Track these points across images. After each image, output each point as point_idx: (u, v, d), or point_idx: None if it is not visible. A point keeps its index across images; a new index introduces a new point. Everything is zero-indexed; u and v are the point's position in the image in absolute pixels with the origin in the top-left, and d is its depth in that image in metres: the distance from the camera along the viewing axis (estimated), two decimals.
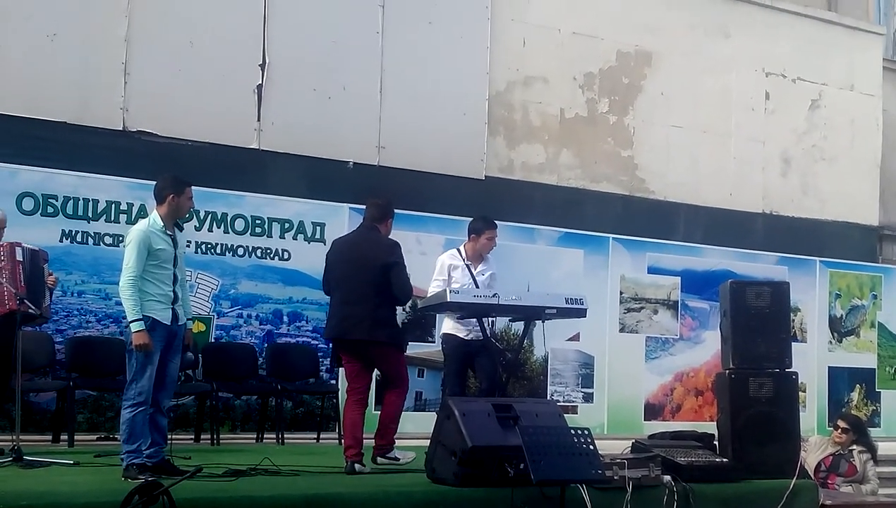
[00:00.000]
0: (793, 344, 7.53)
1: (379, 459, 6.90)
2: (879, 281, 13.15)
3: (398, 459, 6.93)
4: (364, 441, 6.80)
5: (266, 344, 9.46)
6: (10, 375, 7.17)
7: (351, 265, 6.90)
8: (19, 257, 7.07)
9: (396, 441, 7.00)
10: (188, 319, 6.56)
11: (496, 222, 8.19)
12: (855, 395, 12.80)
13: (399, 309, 7.84)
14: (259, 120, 10.00)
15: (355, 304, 6.81)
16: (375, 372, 7.26)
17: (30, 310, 6.98)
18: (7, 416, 7.36)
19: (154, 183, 6.54)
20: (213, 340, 9.27)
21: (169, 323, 6.25)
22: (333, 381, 9.47)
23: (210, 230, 9.35)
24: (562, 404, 9.57)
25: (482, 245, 8.04)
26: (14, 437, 6.78)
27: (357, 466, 6.62)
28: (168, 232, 6.34)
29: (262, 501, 5.48)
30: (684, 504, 6.37)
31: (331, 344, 7.49)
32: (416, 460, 6.81)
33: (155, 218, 6.35)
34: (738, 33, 12.85)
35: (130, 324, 6.10)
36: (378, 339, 6.83)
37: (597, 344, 11.12)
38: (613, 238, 11.43)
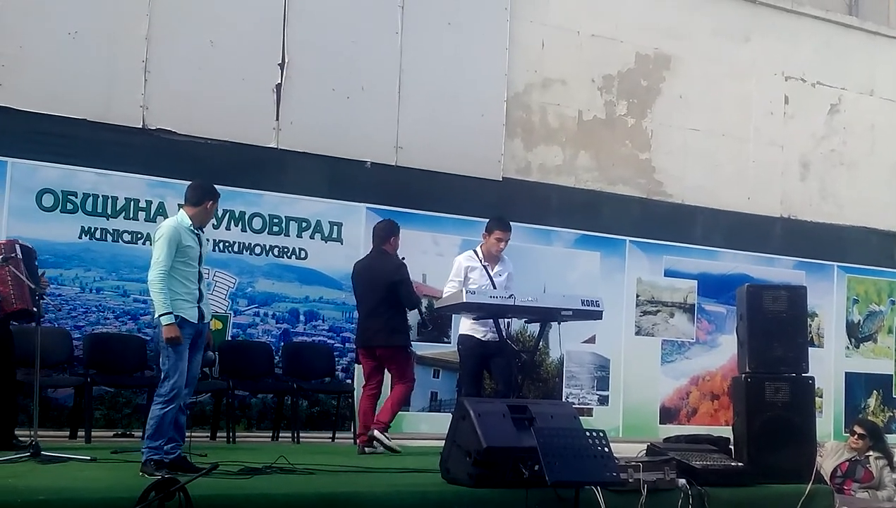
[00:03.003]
0: (809, 349, 7.51)
1: (376, 433, 7.81)
2: None
3: (387, 442, 7.86)
4: None
5: (282, 343, 9.49)
6: (13, 372, 7.28)
7: (367, 285, 8.12)
8: (18, 254, 7.02)
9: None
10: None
11: (511, 224, 8.23)
12: (872, 401, 12.75)
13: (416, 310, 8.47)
14: (278, 119, 10.02)
15: (374, 317, 8.00)
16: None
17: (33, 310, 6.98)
18: (25, 412, 7.39)
19: (174, 181, 6.67)
20: (229, 338, 9.31)
21: (196, 321, 6.30)
22: (349, 381, 9.53)
23: (228, 228, 9.39)
24: (577, 406, 9.56)
25: (490, 244, 8.08)
26: (32, 432, 6.81)
27: (367, 449, 7.81)
28: (194, 230, 6.40)
29: (278, 499, 5.50)
30: (699, 507, 6.37)
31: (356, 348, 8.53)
32: (430, 460, 6.80)
33: (183, 216, 6.40)
34: (757, 37, 12.80)
35: (161, 318, 6.12)
36: (394, 344, 8.01)
37: (612, 346, 11.11)
38: (630, 240, 11.42)
